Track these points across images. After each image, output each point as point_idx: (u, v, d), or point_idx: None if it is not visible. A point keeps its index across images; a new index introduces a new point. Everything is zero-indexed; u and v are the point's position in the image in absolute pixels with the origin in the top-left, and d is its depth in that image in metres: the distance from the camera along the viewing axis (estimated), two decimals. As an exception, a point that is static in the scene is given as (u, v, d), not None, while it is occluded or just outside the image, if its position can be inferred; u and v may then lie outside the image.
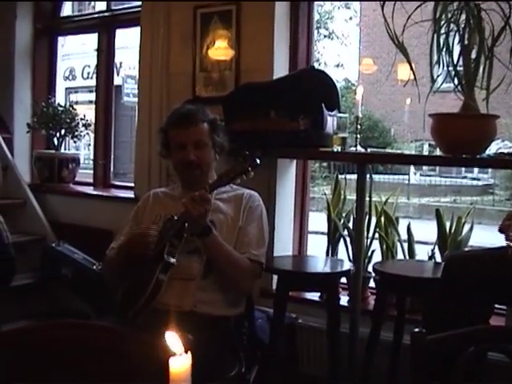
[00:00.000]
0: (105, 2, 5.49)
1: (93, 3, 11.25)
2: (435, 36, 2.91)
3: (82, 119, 5.31)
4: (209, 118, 2.86)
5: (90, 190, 5.33)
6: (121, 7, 5.41)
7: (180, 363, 1.13)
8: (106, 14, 5.40)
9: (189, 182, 2.84)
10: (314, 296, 3.97)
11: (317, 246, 4.44)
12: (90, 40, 5.92)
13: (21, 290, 4.39)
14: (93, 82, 5.79)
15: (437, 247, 3.62)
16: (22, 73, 5.61)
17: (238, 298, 2.79)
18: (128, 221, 2.93)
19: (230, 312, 2.73)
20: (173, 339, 1.15)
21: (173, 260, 2.57)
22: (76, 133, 5.30)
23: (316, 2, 4.34)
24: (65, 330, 1.79)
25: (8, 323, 3.75)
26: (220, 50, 4.29)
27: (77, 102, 9.17)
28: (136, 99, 4.77)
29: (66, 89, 12.26)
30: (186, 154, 2.77)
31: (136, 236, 2.70)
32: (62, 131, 5.26)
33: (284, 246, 4.11)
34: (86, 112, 5.61)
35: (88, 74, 12.12)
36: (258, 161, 2.50)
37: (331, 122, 3.61)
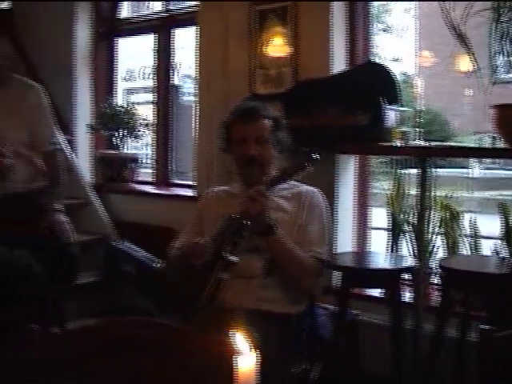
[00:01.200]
0: (162, 3, 5.54)
1: (148, 4, 11.39)
2: (495, 25, 2.85)
3: (141, 119, 5.37)
4: (272, 115, 2.85)
5: (150, 188, 5.40)
6: (178, 7, 5.47)
7: (247, 362, 1.12)
8: (163, 14, 5.45)
9: (249, 179, 2.81)
10: (376, 292, 3.93)
11: (377, 242, 4.40)
12: (149, 41, 5.98)
13: (85, 288, 4.46)
14: (151, 83, 5.86)
15: (502, 241, 3.54)
16: (83, 75, 5.72)
17: (300, 295, 2.78)
18: (190, 220, 2.95)
19: (292, 310, 2.72)
20: (239, 338, 1.15)
21: (233, 258, 2.57)
22: (136, 133, 5.37)
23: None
24: (127, 328, 1.81)
25: (73, 321, 3.83)
26: (277, 46, 4.29)
27: (136, 103, 9.28)
28: (194, 98, 4.81)
29: (126, 90, 12.43)
30: (247, 148, 2.76)
31: (191, 248, 2.70)
32: (123, 131, 5.34)
33: (345, 243, 4.09)
34: (146, 112, 5.68)
35: (147, 74, 12.24)
36: (317, 156, 2.49)
37: (391, 116, 3.57)
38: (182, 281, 2.78)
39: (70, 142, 5.35)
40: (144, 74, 12.50)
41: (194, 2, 5.04)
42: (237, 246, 2.58)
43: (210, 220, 2.81)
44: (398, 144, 3.57)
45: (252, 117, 2.80)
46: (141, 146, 5.91)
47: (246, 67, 4.39)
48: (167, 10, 5.46)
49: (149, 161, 5.84)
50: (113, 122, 5.31)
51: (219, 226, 2.65)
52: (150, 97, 5.88)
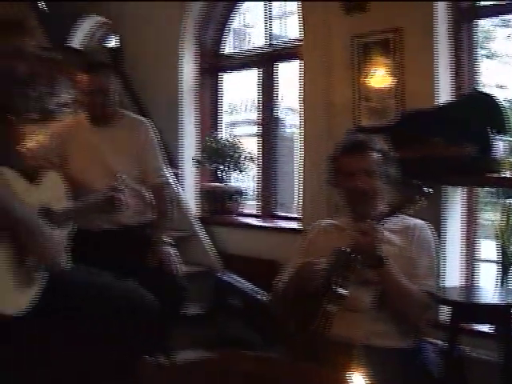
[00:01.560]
0: (264, 38, 5.65)
1: (249, 39, 11.55)
2: None
3: (245, 152, 5.43)
4: (380, 148, 2.83)
5: (254, 221, 5.43)
6: (281, 42, 5.56)
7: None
8: (266, 49, 5.55)
9: (357, 212, 2.81)
10: (485, 327, 3.81)
11: (486, 275, 4.28)
12: (251, 74, 6.11)
13: (191, 319, 4.52)
14: (253, 116, 5.96)
15: None
16: (188, 110, 5.88)
17: (409, 329, 2.73)
18: (297, 252, 2.95)
19: (402, 344, 2.67)
20: (355, 374, 1.15)
21: (343, 291, 2.55)
22: (240, 166, 5.43)
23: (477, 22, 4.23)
24: (238, 362, 1.82)
25: (180, 351, 3.88)
26: (380, 78, 4.27)
27: (238, 135, 9.42)
28: (295, 130, 4.84)
29: (228, 123, 12.58)
30: (355, 182, 2.75)
31: (305, 269, 2.71)
32: (227, 164, 5.42)
33: (453, 276, 4.00)
34: (248, 144, 5.75)
35: (248, 107, 12.41)
36: (429, 190, 2.47)
37: (499, 146, 3.50)
38: (290, 313, 2.79)
39: (176, 175, 5.48)
40: (246, 106, 12.70)
41: (296, 37, 5.10)
42: (346, 279, 2.57)
43: (318, 253, 2.80)
44: (508, 174, 3.48)
45: (360, 150, 2.79)
46: (245, 179, 5.98)
47: (349, 100, 4.39)
48: (270, 45, 5.54)
49: (253, 193, 5.90)
50: (218, 155, 5.41)
51: (329, 260, 2.65)
52: (252, 129, 5.97)
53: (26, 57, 2.42)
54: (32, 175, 2.41)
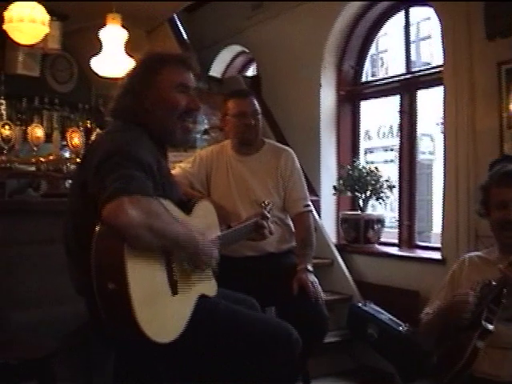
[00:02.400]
0: (405, 65, 5.62)
1: (385, 66, 11.55)
2: None
3: (386, 181, 5.38)
4: None
5: (394, 250, 5.33)
6: (422, 68, 5.51)
7: None
8: (407, 76, 5.52)
9: (506, 245, 2.73)
10: None
11: None
12: (387, 101, 6.10)
13: (328, 347, 4.51)
14: (388, 142, 5.92)
15: None
16: (327, 138, 5.92)
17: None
18: (443, 285, 2.90)
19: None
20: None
21: (491, 327, 2.48)
22: (380, 194, 5.38)
23: None
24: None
25: (318, 379, 3.88)
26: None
27: (371, 162, 9.39)
28: (431, 157, 4.76)
29: (363, 149, 12.53)
30: (507, 213, 2.69)
31: (454, 303, 2.65)
32: (368, 193, 5.38)
33: None
34: (383, 171, 5.69)
35: (383, 134, 12.33)
36: None
37: None
38: (435, 346, 2.73)
39: (316, 203, 5.51)
40: (381, 133, 12.64)
41: (438, 63, 5.05)
42: (494, 314, 2.50)
43: (464, 286, 2.75)
44: None
45: None
46: (385, 207, 5.92)
47: (494, 127, 4.28)
48: (411, 72, 5.50)
49: (392, 221, 5.83)
50: (358, 183, 5.38)
51: (478, 293, 2.59)
52: (386, 155, 5.93)
53: (190, 92, 2.52)
54: (186, 205, 2.48)
